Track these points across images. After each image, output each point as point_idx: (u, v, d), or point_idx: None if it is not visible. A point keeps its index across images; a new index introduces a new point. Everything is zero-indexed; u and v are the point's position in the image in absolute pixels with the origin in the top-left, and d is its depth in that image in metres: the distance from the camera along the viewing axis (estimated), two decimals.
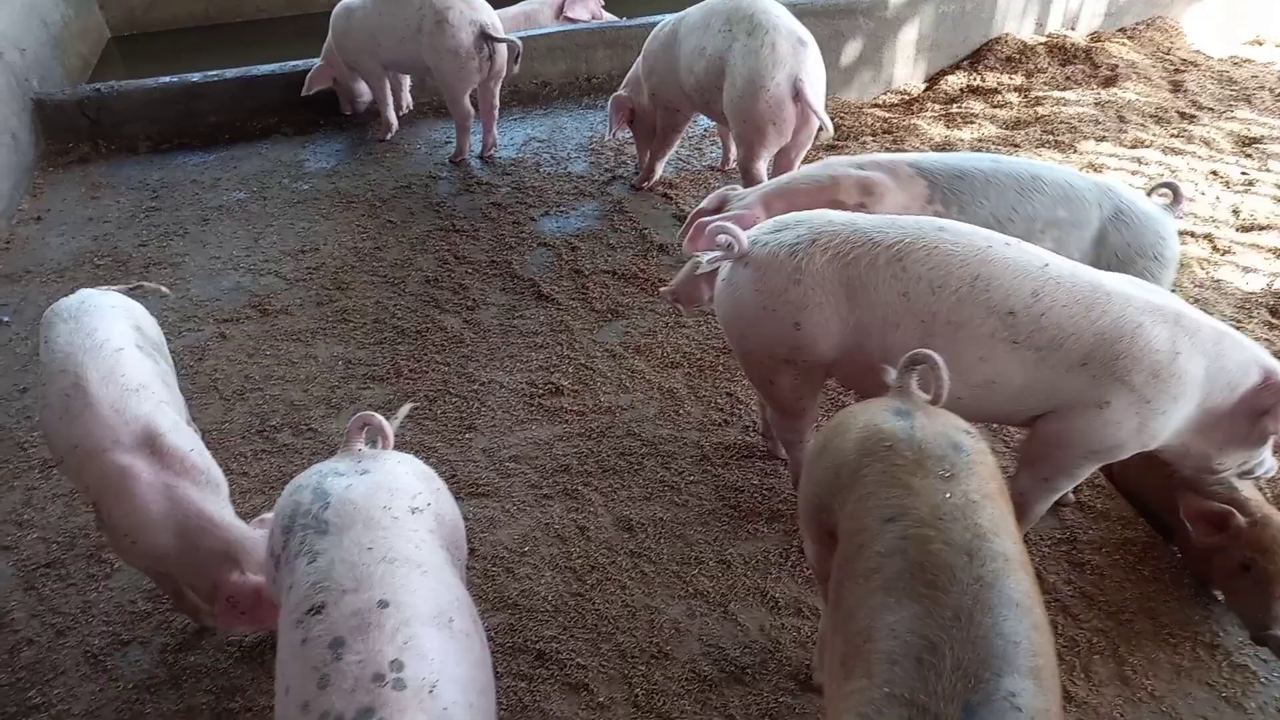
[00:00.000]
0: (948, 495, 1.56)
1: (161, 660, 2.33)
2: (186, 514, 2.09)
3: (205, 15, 6.67)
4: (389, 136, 4.81)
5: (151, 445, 2.13)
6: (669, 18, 3.94)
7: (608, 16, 5.51)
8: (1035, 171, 2.68)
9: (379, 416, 1.93)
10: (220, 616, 2.09)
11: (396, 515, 1.71)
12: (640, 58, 4.11)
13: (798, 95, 3.46)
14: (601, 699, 2.25)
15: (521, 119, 5.07)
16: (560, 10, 5.43)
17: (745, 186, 3.79)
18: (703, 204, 3.00)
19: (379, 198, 4.39)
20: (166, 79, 4.83)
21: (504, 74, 4.42)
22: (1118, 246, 2.64)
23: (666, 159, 4.35)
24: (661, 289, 3.00)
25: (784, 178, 2.91)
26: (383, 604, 1.50)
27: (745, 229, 2.37)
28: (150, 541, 2.07)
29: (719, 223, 2.36)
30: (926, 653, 1.37)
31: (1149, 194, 2.78)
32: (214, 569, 2.10)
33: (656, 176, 4.37)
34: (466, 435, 3.05)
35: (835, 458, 1.75)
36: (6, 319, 3.61)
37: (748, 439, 2.99)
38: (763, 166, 3.69)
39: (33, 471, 2.95)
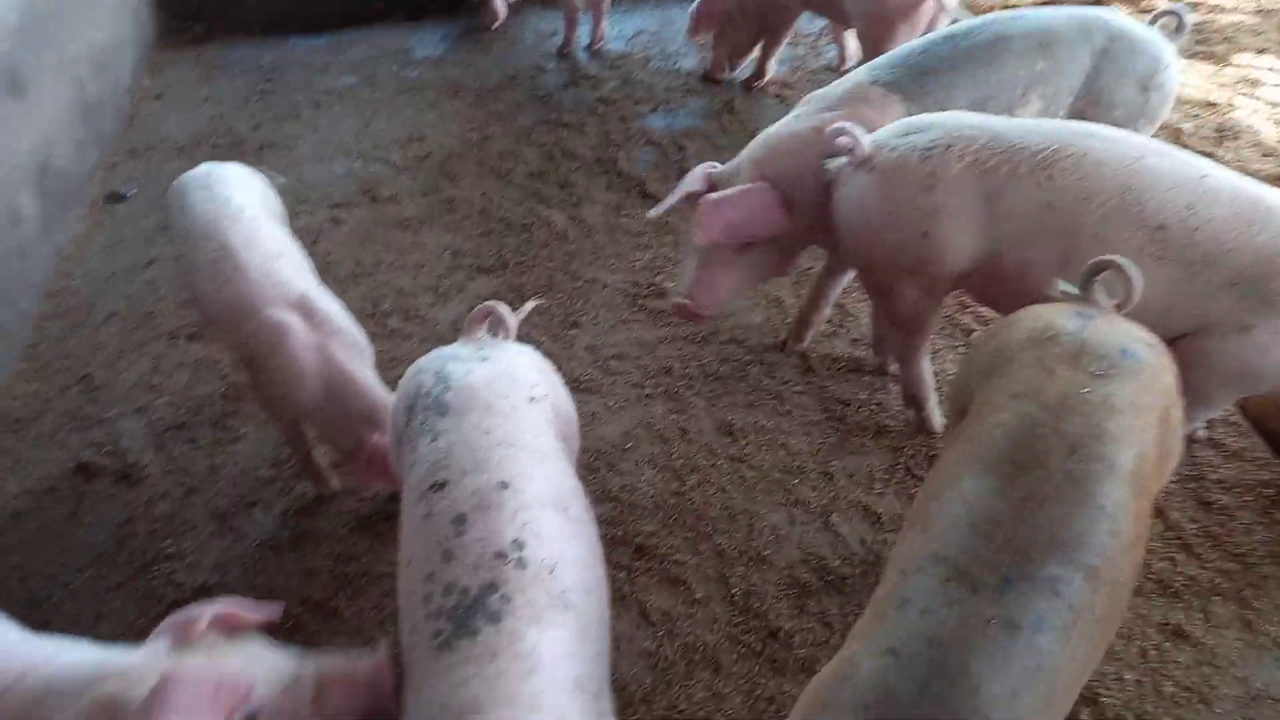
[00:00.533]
0: (1086, 390, 1.50)
1: (284, 523, 2.46)
2: (335, 372, 2.16)
3: None
4: (495, 25, 4.72)
5: (303, 307, 2.21)
6: None
7: None
8: (999, 31, 2.49)
9: (504, 307, 1.94)
10: (361, 473, 2.18)
11: (515, 404, 1.73)
12: None
13: None
14: (699, 595, 2.29)
15: (631, 11, 4.91)
16: None
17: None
18: (688, 183, 2.53)
19: (485, 88, 4.34)
20: None
21: None
22: (1110, 79, 2.48)
23: (777, 56, 4.18)
24: (673, 299, 2.49)
25: (762, 138, 2.56)
26: (502, 485, 1.54)
27: (749, 208, 2.31)
28: (301, 395, 2.15)
29: (838, 124, 2.24)
30: (985, 522, 1.38)
31: (1151, 22, 2.58)
32: (358, 428, 2.17)
33: (770, 75, 4.20)
34: (570, 332, 3.07)
35: (996, 344, 1.71)
36: (132, 192, 3.73)
37: (856, 352, 2.93)
38: None
39: (160, 340, 3.08)
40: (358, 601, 2.29)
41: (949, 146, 2.10)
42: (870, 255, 2.30)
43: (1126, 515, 1.40)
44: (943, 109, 2.39)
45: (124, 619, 2.25)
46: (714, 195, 2.41)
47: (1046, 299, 1.77)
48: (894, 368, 2.76)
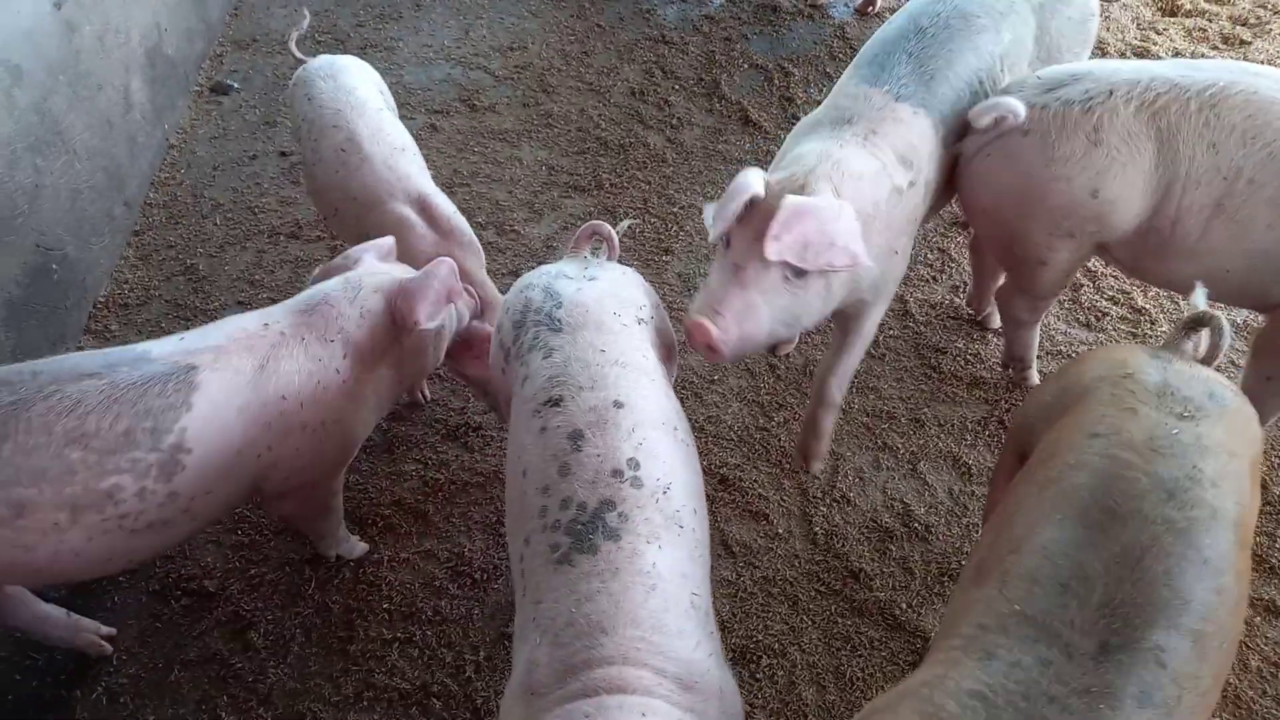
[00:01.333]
0: (1175, 431, 1.39)
1: (377, 427, 2.51)
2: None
3: None
4: None
5: (422, 204, 2.26)
6: None
7: None
8: (961, 9, 2.23)
9: (608, 227, 1.93)
10: (471, 364, 2.16)
11: (625, 323, 1.74)
12: None
13: None
14: (780, 530, 2.31)
15: None
16: None
17: None
18: (744, 186, 1.85)
19: (589, 1, 4.23)
20: None
21: None
22: (1055, 30, 2.32)
23: None
24: (692, 316, 1.87)
25: (823, 155, 1.95)
26: (618, 404, 1.55)
27: (837, 229, 1.76)
28: None
29: (990, 101, 2.06)
30: (1076, 581, 1.26)
31: None
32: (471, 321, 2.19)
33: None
34: (663, 258, 3.04)
35: (1065, 382, 1.62)
36: (236, 85, 3.76)
37: (955, 299, 2.85)
38: None
39: (262, 236, 3.14)
40: (445, 507, 2.36)
41: (1111, 92, 1.99)
42: (1025, 225, 2.15)
43: (1232, 570, 1.29)
44: (955, 107, 2.16)
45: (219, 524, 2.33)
46: (798, 200, 1.80)
47: (1182, 275, 1.71)
48: (995, 323, 2.68)
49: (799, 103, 3.61)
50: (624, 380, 1.59)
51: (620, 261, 2.95)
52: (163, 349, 1.70)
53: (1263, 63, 3.85)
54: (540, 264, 2.96)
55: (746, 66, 3.82)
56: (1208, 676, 1.23)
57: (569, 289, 1.78)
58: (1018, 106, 2.05)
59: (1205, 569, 1.26)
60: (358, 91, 2.47)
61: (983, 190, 2.18)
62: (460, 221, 2.33)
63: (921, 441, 2.47)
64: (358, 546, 2.24)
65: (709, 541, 1.58)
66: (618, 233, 2.06)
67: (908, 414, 2.54)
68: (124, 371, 1.63)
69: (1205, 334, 1.62)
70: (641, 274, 2.91)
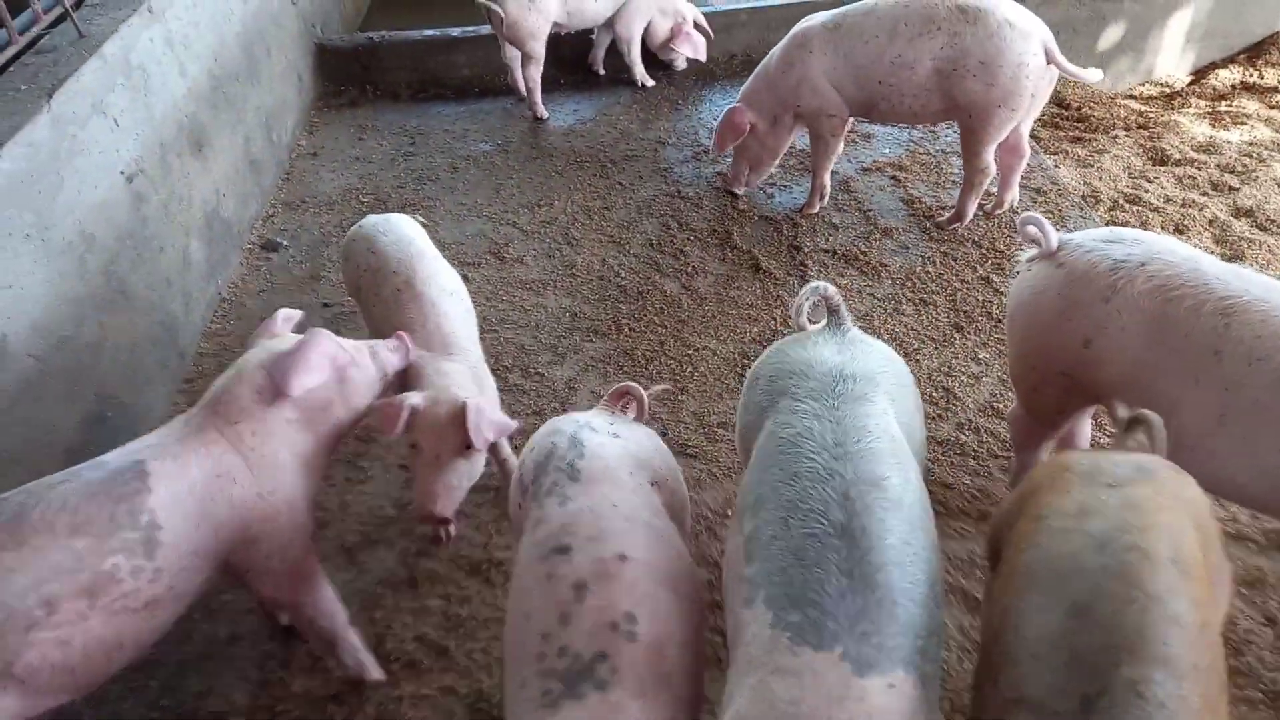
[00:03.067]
0: (1104, 497, 1.52)
1: (402, 562, 2.62)
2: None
3: None
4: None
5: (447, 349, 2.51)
6: (803, 28, 3.65)
7: None
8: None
9: (640, 388, 2.06)
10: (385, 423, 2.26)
11: (640, 482, 1.82)
12: (768, 73, 3.73)
13: (1050, 57, 3.34)
14: None
15: None
16: None
17: (971, 179, 3.67)
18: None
19: (610, 159, 4.57)
20: (430, 31, 5.21)
21: None
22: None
23: (828, 170, 3.96)
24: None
25: None
26: (622, 557, 1.61)
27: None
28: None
29: (1029, 214, 2.28)
30: (1044, 648, 1.34)
31: None
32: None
33: (826, 193, 4.04)
34: (679, 398, 3.19)
35: (1021, 489, 1.75)
36: (285, 243, 4.07)
37: (961, 436, 2.95)
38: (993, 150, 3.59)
39: None
40: (467, 643, 2.42)
41: (1143, 264, 2.07)
42: (1027, 347, 2.31)
43: (1180, 598, 1.36)
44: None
45: (255, 643, 2.43)
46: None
47: (1194, 471, 1.74)
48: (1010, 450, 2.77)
49: (806, 250, 3.83)
50: (632, 536, 1.66)
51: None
52: (112, 455, 1.93)
53: (1250, 208, 4.06)
54: (563, 405, 3.16)
55: (756, 218, 4.08)
56: (1194, 696, 1.28)
57: (593, 441, 1.87)
58: (1052, 236, 2.22)
59: (1152, 602, 1.35)
60: (415, 242, 2.77)
61: (1011, 300, 2.35)
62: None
63: None
64: (373, 669, 2.30)
65: (702, 703, 1.62)
66: (649, 395, 2.17)
67: None
68: (88, 472, 1.85)
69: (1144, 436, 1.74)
70: (658, 410, 3.09)
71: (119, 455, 1.91)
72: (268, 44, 4.48)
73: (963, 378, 3.17)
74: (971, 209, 3.82)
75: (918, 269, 3.70)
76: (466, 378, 2.43)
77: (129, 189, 3.06)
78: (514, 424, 2.28)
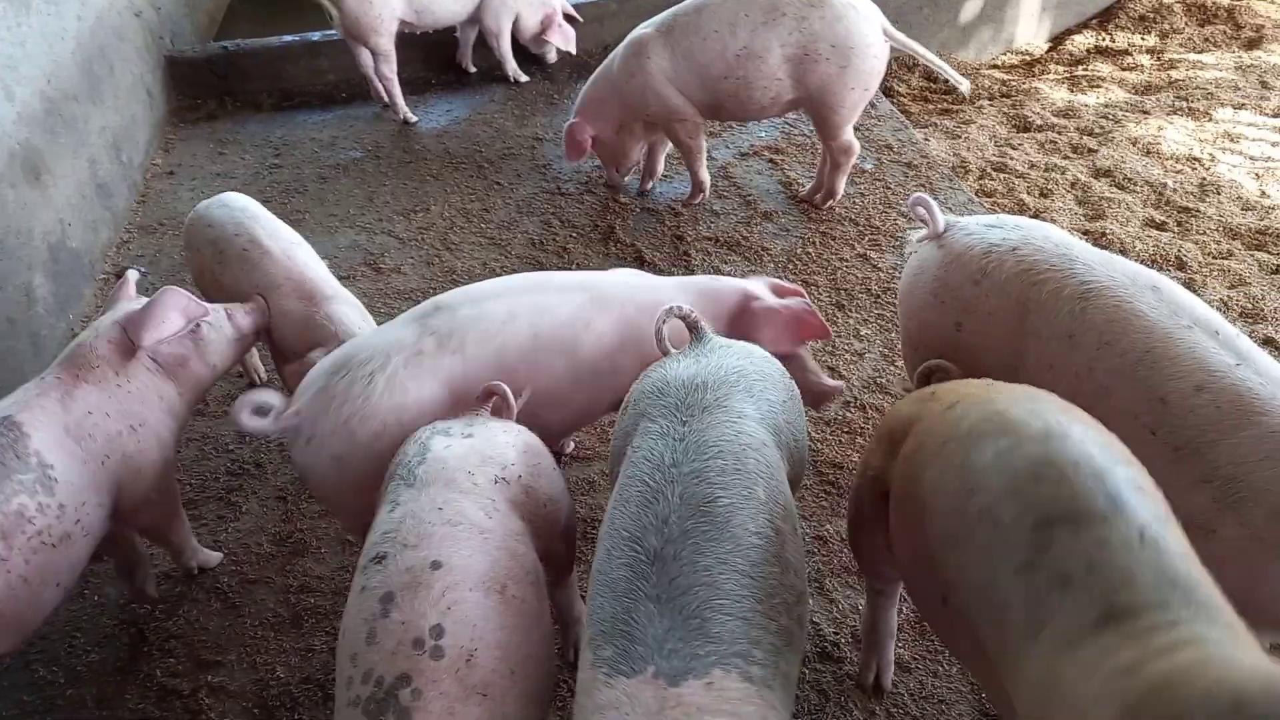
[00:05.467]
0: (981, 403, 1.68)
1: (284, 600, 2.50)
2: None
3: None
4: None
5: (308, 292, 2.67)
6: (638, 34, 3.58)
7: None
8: None
9: (505, 388, 1.99)
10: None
11: (478, 481, 1.74)
12: (610, 82, 3.66)
13: (887, 35, 3.42)
14: None
15: None
16: None
17: (839, 159, 3.69)
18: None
19: (486, 159, 4.47)
20: (289, 38, 4.99)
21: None
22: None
23: (703, 166, 3.91)
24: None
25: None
26: (435, 565, 1.54)
27: None
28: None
29: (917, 195, 2.31)
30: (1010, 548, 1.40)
31: None
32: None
33: (707, 187, 4.00)
34: None
35: (889, 425, 1.87)
36: (143, 269, 3.83)
37: (847, 414, 2.97)
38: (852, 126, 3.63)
39: None
40: None
41: (1014, 249, 2.09)
42: (909, 325, 2.35)
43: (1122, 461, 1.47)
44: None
45: (126, 704, 2.28)
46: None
47: None
48: None
49: (689, 239, 3.82)
50: (450, 539, 1.59)
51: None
52: None
53: (1108, 168, 4.23)
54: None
55: (638, 210, 4.04)
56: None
57: (439, 445, 1.80)
58: (939, 218, 2.24)
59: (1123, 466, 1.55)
60: (248, 208, 2.83)
61: (902, 279, 2.38)
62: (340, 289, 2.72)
63: (826, 558, 2.53)
64: (212, 556, 2.58)
65: (543, 694, 1.58)
66: (523, 398, 2.10)
67: (810, 531, 2.61)
68: None
69: None
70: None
71: None
72: (110, 60, 4.21)
73: (846, 355, 3.20)
74: (841, 187, 3.84)
75: (798, 251, 3.72)
76: (359, 317, 2.60)
77: None
78: None
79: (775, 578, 1.48)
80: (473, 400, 2.03)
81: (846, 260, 3.65)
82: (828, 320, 3.33)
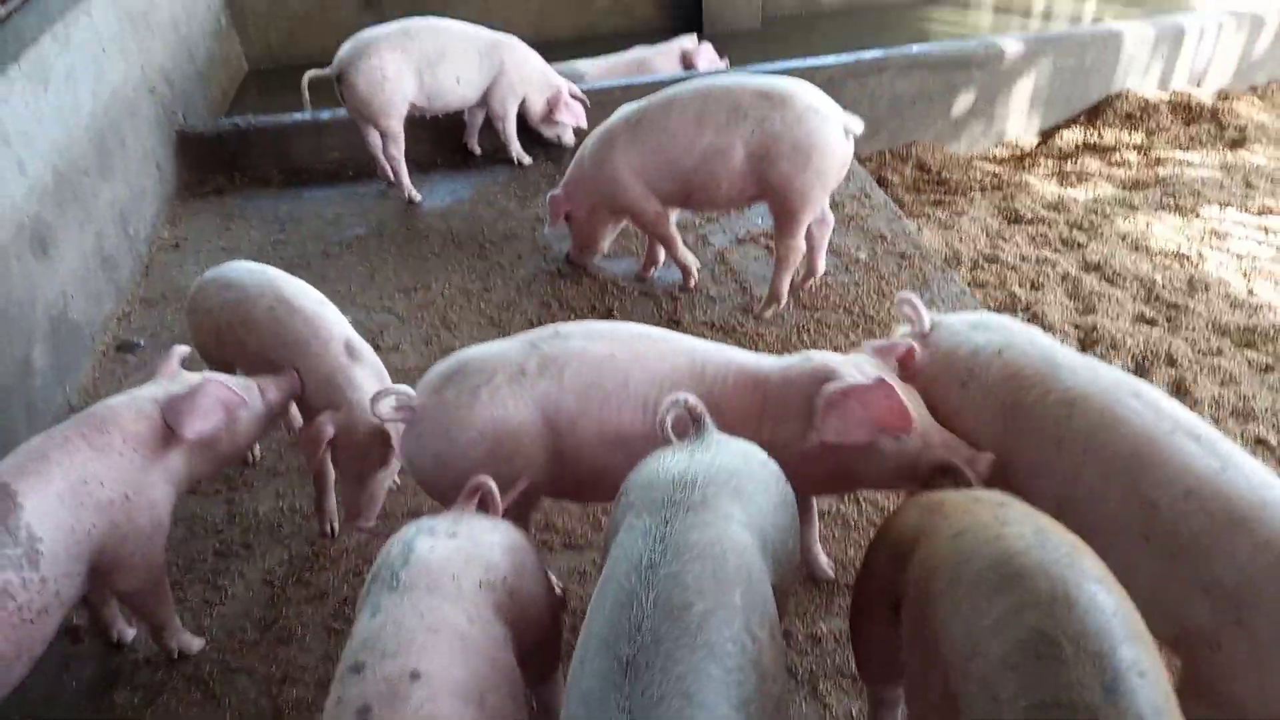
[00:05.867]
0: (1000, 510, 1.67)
1: (265, 691, 2.45)
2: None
3: (335, 51, 7.03)
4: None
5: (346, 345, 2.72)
6: (608, 125, 3.72)
7: (721, 65, 5.58)
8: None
9: (491, 482, 1.99)
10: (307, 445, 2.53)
11: (462, 586, 1.71)
12: (582, 167, 3.78)
13: (850, 135, 3.50)
14: None
15: None
16: (684, 61, 5.53)
17: (786, 256, 3.69)
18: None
19: (488, 239, 4.54)
20: (299, 116, 5.10)
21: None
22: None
23: (680, 253, 3.97)
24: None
25: None
26: (414, 675, 1.52)
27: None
28: None
29: (904, 293, 2.36)
30: (1016, 653, 1.36)
31: None
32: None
33: (694, 269, 4.04)
34: None
35: (893, 535, 1.84)
36: (142, 343, 3.86)
37: (841, 507, 2.97)
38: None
39: None
40: None
41: (999, 352, 2.13)
42: None
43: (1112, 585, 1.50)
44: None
45: None
46: None
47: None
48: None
49: (685, 324, 3.85)
50: (431, 649, 1.56)
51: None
52: None
53: (1098, 263, 4.30)
54: (437, 505, 3.05)
55: (637, 294, 4.09)
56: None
57: (424, 546, 1.77)
58: (925, 317, 2.27)
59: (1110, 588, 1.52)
60: (267, 270, 2.87)
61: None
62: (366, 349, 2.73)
63: (819, 658, 2.50)
64: (194, 641, 2.53)
65: None
66: (512, 493, 2.10)
67: (804, 630, 2.58)
68: None
69: None
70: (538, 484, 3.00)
71: None
72: (122, 135, 4.31)
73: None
74: (786, 288, 3.84)
75: (793, 339, 3.76)
76: (376, 384, 2.57)
77: None
78: None
79: (752, 686, 1.46)
80: (465, 497, 2.02)
81: (840, 349, 3.68)
82: None
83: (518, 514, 2.24)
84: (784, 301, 3.85)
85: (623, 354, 2.25)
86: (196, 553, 2.87)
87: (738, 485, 1.74)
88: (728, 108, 3.43)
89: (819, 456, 2.10)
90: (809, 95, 3.43)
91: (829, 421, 2.06)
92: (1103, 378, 2.03)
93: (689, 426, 1.95)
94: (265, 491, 3.12)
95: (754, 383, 2.20)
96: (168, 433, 2.25)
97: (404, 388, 2.29)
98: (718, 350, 2.35)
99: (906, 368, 2.19)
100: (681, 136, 3.50)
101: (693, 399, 1.95)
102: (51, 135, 3.63)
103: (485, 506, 2.03)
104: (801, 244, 3.68)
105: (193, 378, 2.40)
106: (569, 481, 2.33)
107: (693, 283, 4.06)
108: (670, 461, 1.80)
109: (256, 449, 3.20)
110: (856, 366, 2.18)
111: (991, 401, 2.09)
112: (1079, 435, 1.95)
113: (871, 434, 2.04)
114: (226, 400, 2.34)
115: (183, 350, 2.53)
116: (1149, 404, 1.96)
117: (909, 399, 2.06)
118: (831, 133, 3.41)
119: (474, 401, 2.19)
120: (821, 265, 3.93)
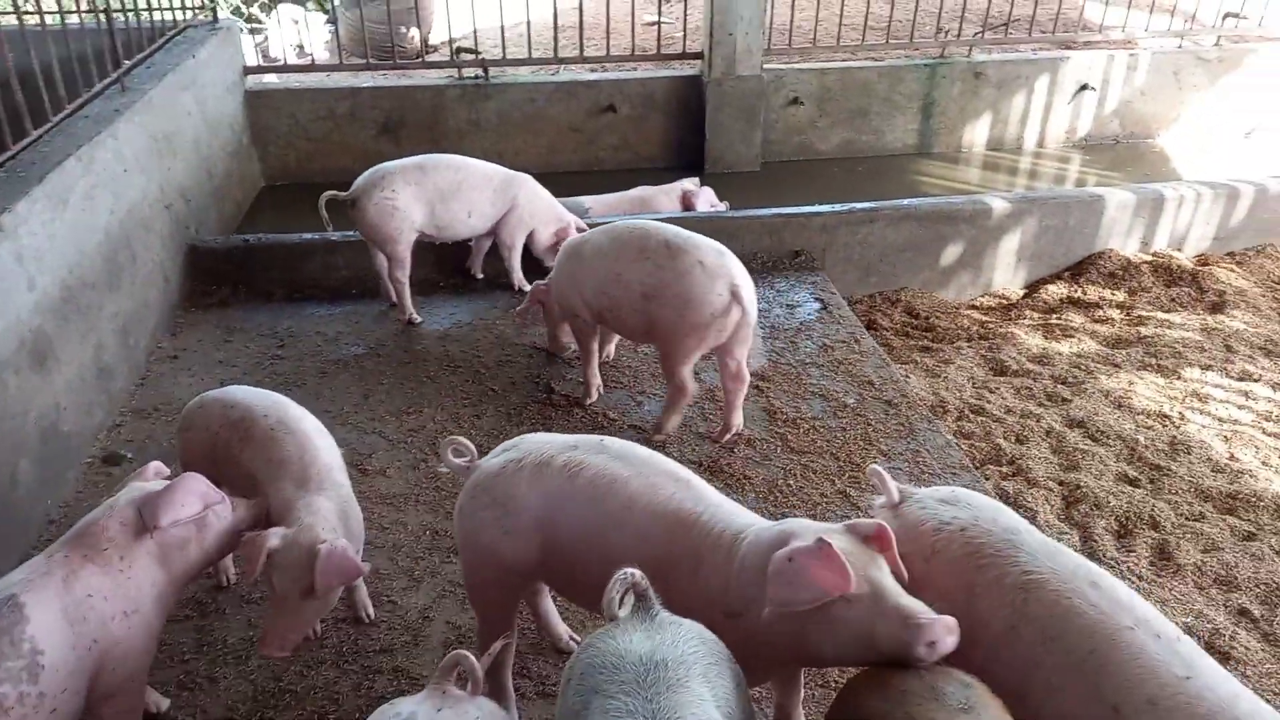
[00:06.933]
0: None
1: None
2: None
3: (350, 171, 7.30)
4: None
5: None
6: (577, 237, 4.25)
7: (721, 207, 5.80)
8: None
9: (472, 658, 1.95)
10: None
11: None
12: (555, 267, 4.24)
13: (736, 299, 3.68)
14: None
15: None
16: (684, 202, 5.75)
17: (670, 395, 3.95)
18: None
19: (484, 365, 4.61)
20: (309, 236, 5.25)
21: None
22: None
23: (595, 367, 4.29)
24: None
25: None
26: None
27: None
28: None
29: (875, 467, 2.39)
30: None
31: None
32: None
33: (595, 389, 4.31)
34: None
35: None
36: (129, 455, 3.87)
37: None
38: (690, 370, 3.90)
39: None
40: None
41: (963, 529, 2.13)
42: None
43: None
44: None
45: None
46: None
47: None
48: None
49: (675, 459, 3.87)
50: None
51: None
52: None
53: (1081, 419, 4.36)
54: (415, 638, 3.00)
55: (626, 426, 4.13)
56: None
57: None
58: (892, 489, 2.30)
59: None
60: (270, 394, 2.98)
61: None
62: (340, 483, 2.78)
63: None
64: None
65: None
66: (488, 657, 2.08)
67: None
68: None
69: None
70: (533, 642, 2.96)
71: None
72: (134, 249, 4.43)
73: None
74: (670, 424, 4.00)
75: (779, 481, 3.78)
76: (334, 515, 2.60)
77: None
78: (365, 568, 2.56)
79: None
80: (443, 673, 1.98)
81: (827, 496, 3.70)
82: None
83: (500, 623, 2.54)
84: (665, 435, 4.03)
85: (638, 482, 2.32)
86: (159, 681, 2.80)
87: (704, 669, 1.73)
88: (637, 248, 3.79)
89: (778, 625, 2.04)
90: (703, 251, 3.68)
91: (774, 588, 1.95)
92: (1061, 565, 2.02)
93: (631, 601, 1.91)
94: (237, 620, 3.07)
95: (733, 543, 2.20)
96: (142, 530, 2.30)
97: (463, 440, 2.55)
98: (726, 508, 2.33)
99: (884, 545, 2.15)
100: (602, 263, 3.91)
101: (639, 575, 1.91)
102: (64, 252, 3.73)
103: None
104: (685, 385, 3.88)
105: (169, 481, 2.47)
106: (553, 574, 2.50)
107: (592, 400, 4.29)
108: (629, 642, 1.77)
109: (231, 570, 3.17)
110: (821, 533, 2.09)
111: (952, 580, 2.09)
112: (1035, 623, 1.94)
113: (814, 597, 1.90)
114: (204, 495, 2.42)
115: (160, 467, 2.59)
116: (1106, 595, 1.94)
117: (868, 562, 1.98)
118: (711, 290, 3.63)
119: (499, 471, 2.42)
120: (736, 420, 4.02)
